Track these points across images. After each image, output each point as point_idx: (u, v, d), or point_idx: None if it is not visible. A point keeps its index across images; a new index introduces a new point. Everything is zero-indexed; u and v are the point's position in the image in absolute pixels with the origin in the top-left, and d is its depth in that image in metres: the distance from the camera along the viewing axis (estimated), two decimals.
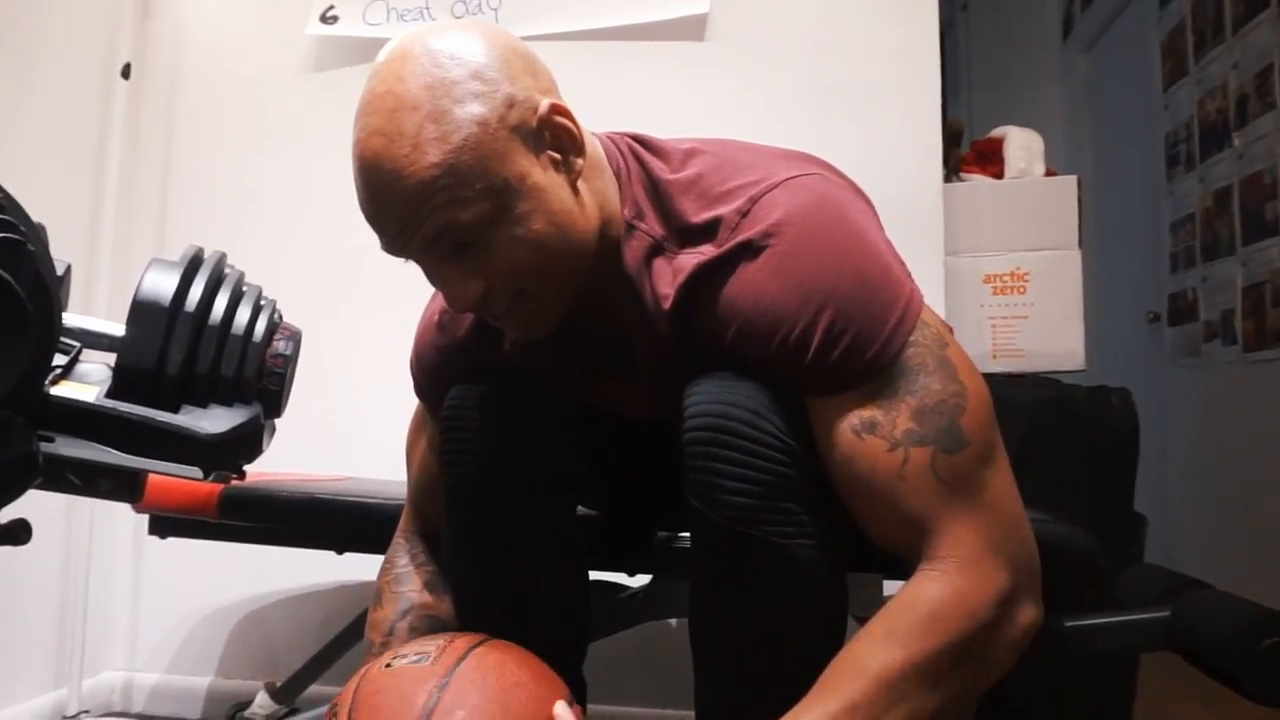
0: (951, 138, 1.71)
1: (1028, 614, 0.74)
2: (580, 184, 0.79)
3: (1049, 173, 1.64)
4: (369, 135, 0.73)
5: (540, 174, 0.75)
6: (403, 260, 0.80)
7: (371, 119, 0.73)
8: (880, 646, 0.70)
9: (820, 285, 0.73)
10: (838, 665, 0.71)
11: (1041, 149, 1.64)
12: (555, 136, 0.77)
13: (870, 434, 0.74)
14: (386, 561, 1.04)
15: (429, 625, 0.98)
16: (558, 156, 0.77)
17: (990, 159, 1.66)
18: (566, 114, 0.77)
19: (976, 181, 1.64)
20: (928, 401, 0.73)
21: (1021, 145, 1.62)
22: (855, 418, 0.74)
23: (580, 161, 0.78)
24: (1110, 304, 3.17)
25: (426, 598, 0.99)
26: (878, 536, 0.77)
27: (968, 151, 1.73)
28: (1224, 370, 2.58)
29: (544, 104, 0.76)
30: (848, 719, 0.67)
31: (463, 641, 0.80)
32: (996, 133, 1.69)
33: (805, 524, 0.75)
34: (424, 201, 0.72)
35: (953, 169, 1.70)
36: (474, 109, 0.72)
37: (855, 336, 0.73)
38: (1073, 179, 1.60)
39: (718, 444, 0.74)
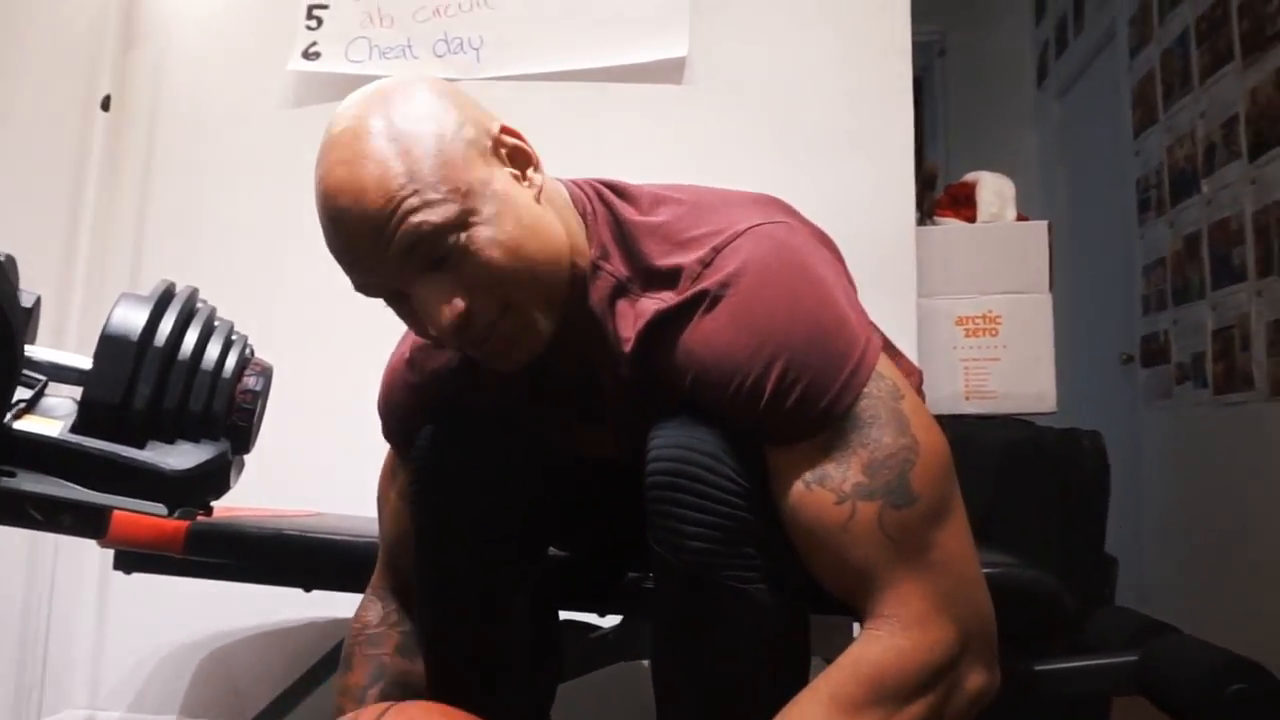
0: (926, 181, 1.74)
1: (977, 679, 0.74)
2: (543, 200, 0.80)
3: (1020, 218, 1.67)
4: (332, 167, 0.74)
5: (503, 183, 0.77)
6: (381, 301, 0.80)
7: (333, 154, 0.74)
8: (821, 709, 0.70)
9: (773, 335, 0.74)
10: None
11: (1013, 194, 1.67)
12: (511, 154, 0.80)
13: (820, 486, 0.73)
14: (357, 620, 1.03)
15: (399, 695, 0.96)
16: (517, 173, 0.80)
17: (963, 203, 1.68)
18: (517, 135, 0.81)
19: (949, 225, 1.67)
20: (878, 455, 0.73)
21: (994, 190, 1.66)
22: (807, 469, 0.74)
23: (539, 178, 0.81)
24: (1084, 345, 3.21)
25: (399, 663, 0.98)
26: (828, 586, 0.77)
27: (941, 195, 1.76)
28: (1195, 412, 2.61)
29: (495, 125, 0.80)
30: None
31: (369, 713, 0.78)
32: (969, 177, 1.72)
33: (765, 568, 0.75)
34: (393, 211, 0.72)
35: (926, 212, 1.73)
36: (430, 126, 0.75)
37: (808, 386, 0.73)
38: (1043, 224, 1.63)
39: (677, 488, 0.74)
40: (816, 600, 0.83)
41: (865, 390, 0.74)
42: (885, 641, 0.71)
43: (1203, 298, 2.56)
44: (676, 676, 0.82)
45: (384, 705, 0.80)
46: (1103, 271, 3.25)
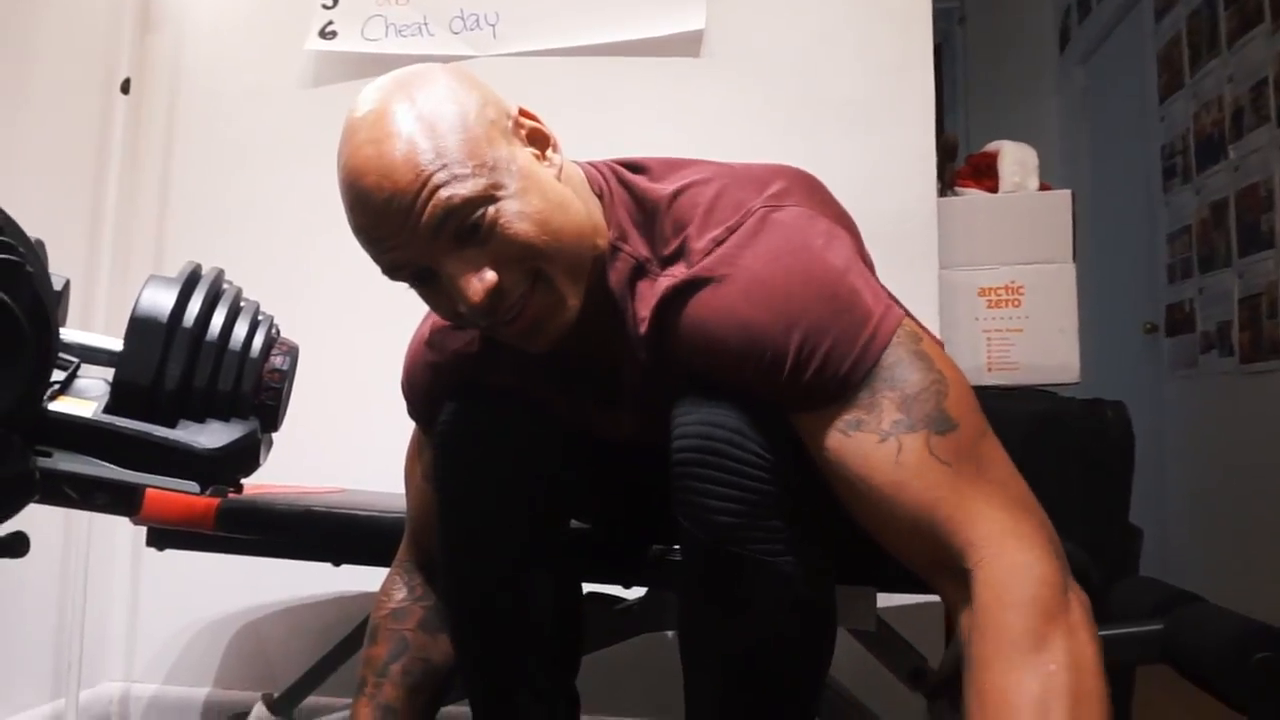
0: (946, 152, 1.72)
1: (1077, 589, 0.70)
2: (563, 179, 0.81)
3: (1043, 187, 1.65)
4: (358, 147, 0.75)
5: (525, 161, 0.78)
6: (404, 287, 0.81)
7: (358, 135, 0.75)
8: (1011, 666, 0.65)
9: (789, 307, 0.74)
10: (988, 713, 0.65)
11: (1036, 163, 1.65)
12: (530, 136, 0.81)
13: (858, 431, 0.73)
14: (383, 593, 1.05)
15: (421, 670, 1.00)
16: (537, 152, 0.81)
17: (985, 173, 1.66)
18: (534, 117, 0.82)
19: (971, 196, 1.65)
20: (909, 392, 0.72)
21: (1016, 160, 1.63)
22: (841, 421, 0.73)
23: (558, 158, 0.82)
24: (1108, 315, 3.18)
25: (421, 638, 1.00)
26: (896, 546, 0.75)
27: (963, 166, 1.74)
28: (1221, 381, 2.59)
29: (513, 107, 0.81)
30: None
31: None
32: (991, 147, 1.70)
33: (791, 540, 0.75)
34: (422, 186, 0.72)
35: (948, 183, 1.71)
36: (453, 107, 0.76)
37: (826, 357, 0.73)
38: (1067, 193, 1.61)
39: (703, 464, 0.74)
40: (840, 571, 0.84)
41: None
42: (1003, 566, 0.67)
43: (1229, 265, 2.53)
44: (704, 647, 0.83)
45: None
46: (1127, 240, 3.22)
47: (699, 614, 0.83)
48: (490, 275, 0.75)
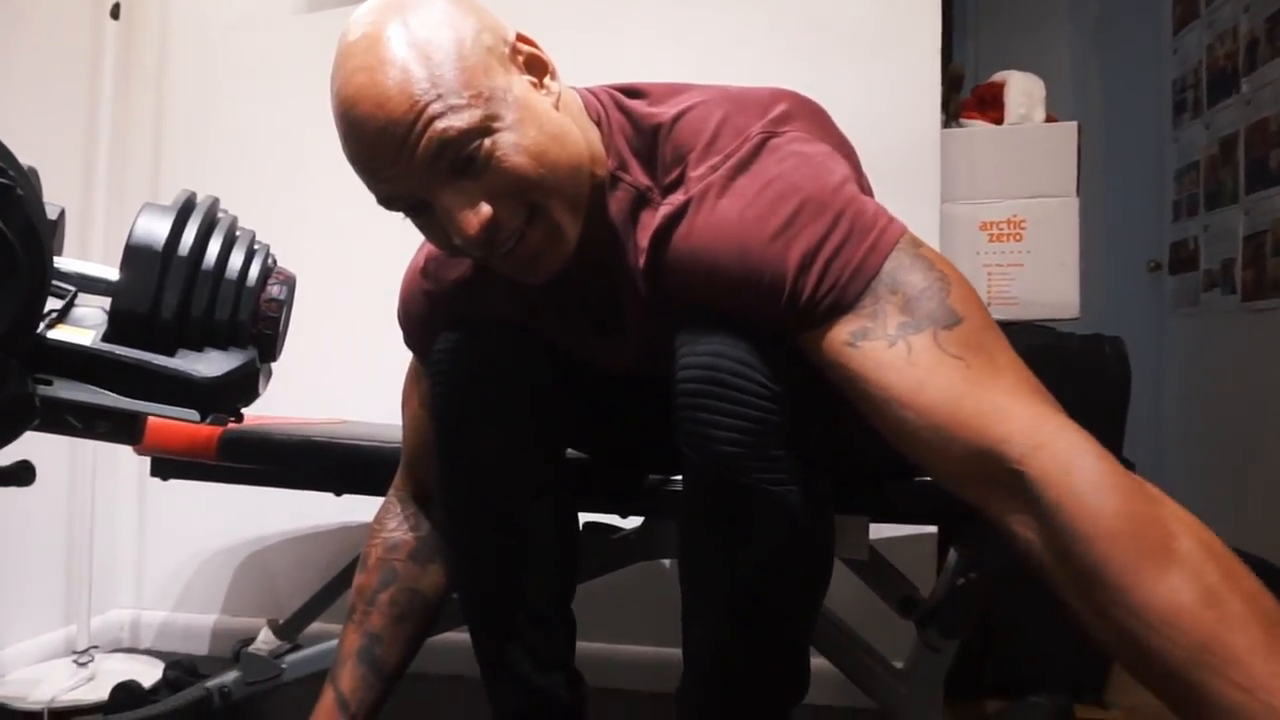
0: (952, 83, 1.69)
1: None
2: (561, 108, 0.80)
3: (1050, 119, 1.63)
4: (351, 74, 0.73)
5: (523, 90, 0.77)
6: (400, 216, 0.80)
7: (351, 61, 0.74)
8: (1176, 582, 0.59)
9: (786, 227, 0.73)
10: (1219, 636, 0.57)
11: (1043, 95, 1.62)
12: (528, 62, 0.79)
13: (865, 340, 0.71)
14: (376, 522, 1.06)
15: (408, 600, 1.02)
16: (534, 80, 0.79)
17: (991, 104, 1.64)
18: (532, 43, 0.80)
19: (975, 127, 1.63)
20: (911, 294, 0.71)
21: (1022, 90, 1.61)
22: (845, 334, 0.72)
23: (556, 85, 0.81)
24: (1112, 251, 3.16)
25: (411, 569, 1.03)
26: (926, 457, 0.70)
27: (968, 97, 1.71)
28: (1222, 320, 2.58)
29: (510, 33, 0.79)
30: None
31: None
32: (998, 77, 1.67)
33: (793, 469, 0.76)
34: (416, 117, 0.71)
35: (953, 114, 1.68)
36: (449, 33, 0.74)
37: (826, 268, 0.72)
38: (1073, 125, 1.58)
39: (708, 395, 0.74)
40: (838, 500, 0.85)
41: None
42: (1071, 476, 0.62)
43: (1235, 202, 2.50)
44: (705, 575, 0.84)
45: None
46: (1134, 176, 3.18)
47: (699, 541, 0.84)
48: (485, 209, 0.74)
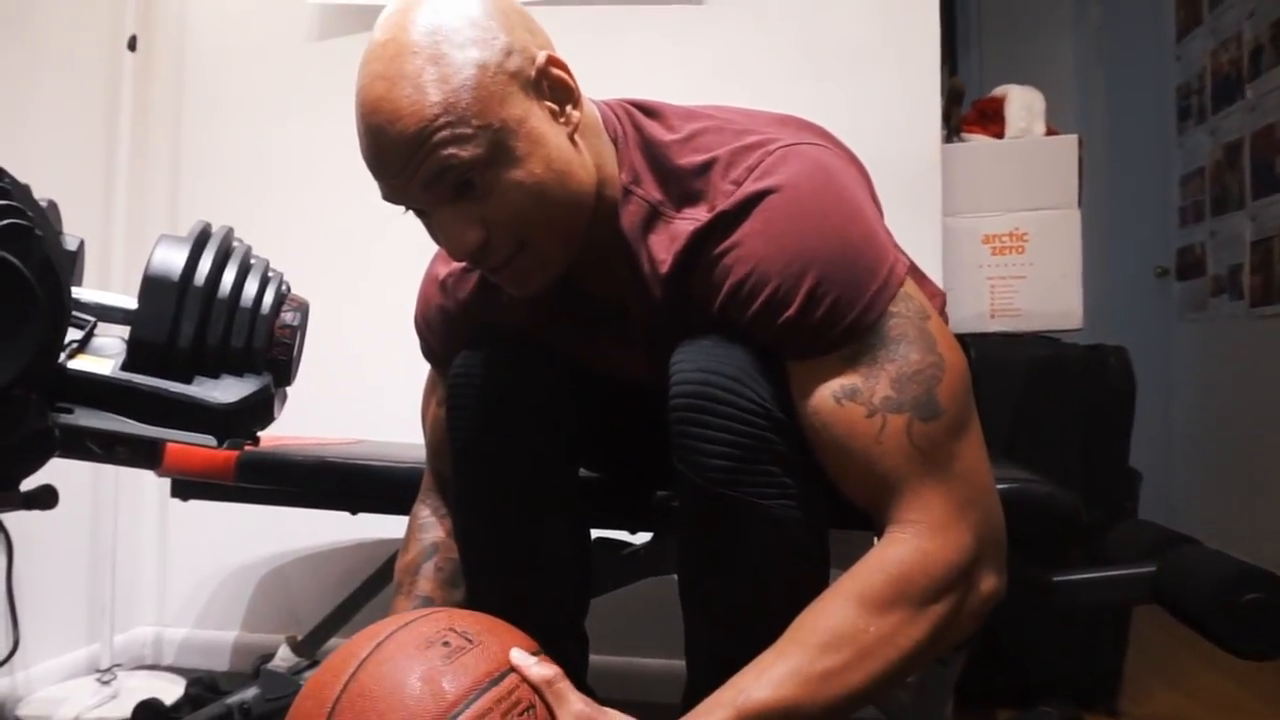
0: (953, 97, 1.71)
1: (989, 582, 0.76)
2: (578, 138, 0.80)
3: (1050, 131, 1.64)
4: (371, 80, 0.75)
5: (539, 121, 0.77)
6: (403, 210, 0.81)
7: (374, 65, 0.75)
8: (850, 606, 0.72)
9: (805, 248, 0.75)
10: (805, 623, 0.73)
11: (1043, 108, 1.64)
12: (552, 88, 0.79)
13: (850, 401, 0.75)
14: (412, 515, 1.09)
15: (453, 568, 1.02)
16: (555, 108, 0.79)
17: (991, 118, 1.65)
18: (563, 66, 0.79)
19: (976, 141, 1.65)
20: (906, 370, 0.75)
21: (1022, 104, 1.62)
22: (836, 384, 0.75)
23: (577, 114, 0.80)
24: (1119, 259, 3.16)
25: (450, 543, 1.03)
26: (849, 494, 0.79)
27: (969, 111, 1.73)
28: (1229, 325, 2.58)
29: (541, 55, 0.78)
30: (814, 679, 0.70)
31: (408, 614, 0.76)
32: (998, 91, 1.69)
33: (786, 485, 0.77)
34: (424, 140, 0.73)
35: (954, 129, 1.70)
36: (473, 53, 0.74)
37: (836, 299, 0.74)
38: (1073, 138, 1.60)
39: (700, 410, 0.76)
40: (835, 516, 0.86)
41: (892, 309, 0.76)
42: (910, 544, 0.73)
43: (1242, 208, 2.51)
44: (702, 591, 0.86)
45: (424, 610, 0.80)
46: (1139, 183, 3.18)
47: (695, 557, 0.85)
48: (475, 235, 0.77)
